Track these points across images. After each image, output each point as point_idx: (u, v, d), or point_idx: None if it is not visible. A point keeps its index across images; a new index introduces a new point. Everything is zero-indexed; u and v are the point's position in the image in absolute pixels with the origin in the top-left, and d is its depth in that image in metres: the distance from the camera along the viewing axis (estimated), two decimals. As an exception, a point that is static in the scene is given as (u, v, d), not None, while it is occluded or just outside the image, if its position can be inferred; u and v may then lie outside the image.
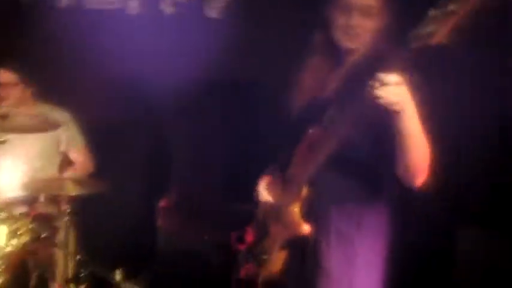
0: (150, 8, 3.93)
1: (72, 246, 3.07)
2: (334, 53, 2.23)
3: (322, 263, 2.12)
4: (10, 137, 3.04)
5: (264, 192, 2.40)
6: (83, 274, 3.02)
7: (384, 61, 1.85)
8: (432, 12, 1.66)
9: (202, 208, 3.69)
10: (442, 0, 1.65)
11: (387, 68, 1.81)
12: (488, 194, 3.24)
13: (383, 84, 1.81)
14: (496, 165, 3.21)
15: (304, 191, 2.16)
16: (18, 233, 2.93)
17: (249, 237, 2.51)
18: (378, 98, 1.82)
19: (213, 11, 3.90)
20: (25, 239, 2.94)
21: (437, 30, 1.66)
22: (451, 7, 1.63)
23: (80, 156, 3.48)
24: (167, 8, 3.92)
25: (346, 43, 2.16)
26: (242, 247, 2.52)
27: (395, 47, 1.85)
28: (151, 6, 3.93)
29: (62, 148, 3.45)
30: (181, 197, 3.71)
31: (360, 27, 2.12)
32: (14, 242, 2.91)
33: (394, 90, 1.82)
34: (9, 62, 3.36)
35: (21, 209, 3.09)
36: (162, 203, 3.57)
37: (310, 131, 2.15)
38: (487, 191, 3.24)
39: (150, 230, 3.64)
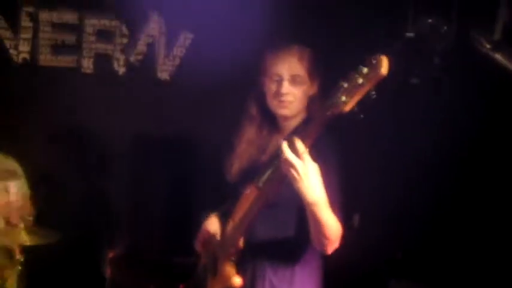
0: (103, 68, 4.09)
1: (22, 294, 3.16)
2: (270, 120, 2.43)
3: None
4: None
5: (200, 248, 2.52)
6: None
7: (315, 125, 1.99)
8: (344, 84, 1.86)
9: (148, 260, 3.81)
10: (352, 73, 1.86)
11: (306, 132, 1.97)
12: (420, 247, 3.44)
13: (291, 150, 1.94)
14: (427, 218, 3.43)
15: (239, 246, 2.29)
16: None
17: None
18: (285, 163, 1.95)
19: (164, 73, 4.10)
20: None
21: (349, 100, 1.85)
22: (360, 80, 1.82)
23: (26, 205, 3.46)
24: (120, 69, 4.10)
25: (280, 111, 2.35)
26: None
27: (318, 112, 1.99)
28: (105, 66, 4.09)
29: (12, 198, 3.45)
30: (128, 248, 3.81)
31: (291, 95, 2.31)
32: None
33: (299, 163, 1.93)
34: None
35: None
36: (110, 254, 3.67)
37: (246, 190, 2.28)
38: (419, 244, 3.45)
39: (99, 280, 3.71)
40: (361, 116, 1.87)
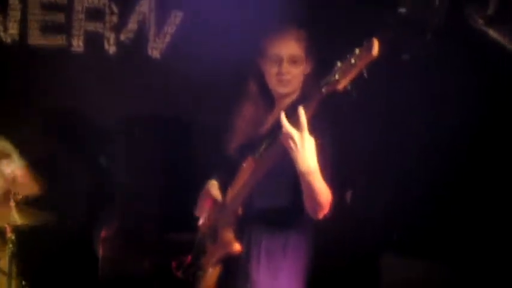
0: (93, 47, 4.06)
1: (15, 274, 3.15)
2: (267, 98, 2.57)
3: (252, 276, 2.39)
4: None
5: (202, 216, 2.64)
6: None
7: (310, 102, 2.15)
8: (338, 64, 2.04)
9: (142, 237, 3.82)
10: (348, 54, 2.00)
11: (304, 107, 2.12)
12: (412, 223, 3.45)
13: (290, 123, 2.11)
14: (419, 194, 3.45)
15: (238, 214, 2.45)
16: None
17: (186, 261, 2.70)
18: (284, 135, 2.13)
19: (155, 51, 4.07)
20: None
21: (342, 78, 2.02)
22: (352, 61, 1.98)
23: (23, 182, 3.46)
24: (111, 48, 4.07)
25: (280, 89, 2.51)
26: (178, 273, 2.69)
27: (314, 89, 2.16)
28: (95, 45, 4.06)
29: (3, 178, 3.45)
30: (121, 226, 3.82)
31: (290, 74, 2.47)
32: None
33: (296, 133, 2.11)
34: None
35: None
36: (103, 233, 3.67)
37: (244, 162, 2.43)
38: (411, 219, 3.45)
39: (92, 259, 3.72)
40: (354, 94, 2.03)
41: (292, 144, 2.13)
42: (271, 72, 2.48)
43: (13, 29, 4.01)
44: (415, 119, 3.54)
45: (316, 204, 2.26)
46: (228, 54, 3.62)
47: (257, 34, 2.61)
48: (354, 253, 3.48)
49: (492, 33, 3.10)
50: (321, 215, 2.30)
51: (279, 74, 2.45)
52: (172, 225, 3.79)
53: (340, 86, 2.02)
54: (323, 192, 2.24)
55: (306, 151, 2.13)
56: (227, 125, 2.67)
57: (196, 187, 2.73)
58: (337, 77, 2.02)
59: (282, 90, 2.49)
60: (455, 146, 3.33)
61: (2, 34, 4.00)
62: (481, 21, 3.11)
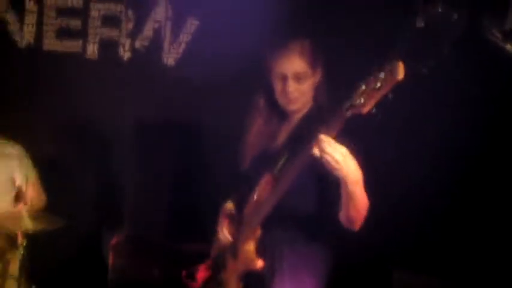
0: (108, 54, 4.07)
1: (25, 279, 3.14)
2: (279, 111, 2.51)
3: None
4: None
5: (223, 232, 2.61)
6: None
7: (324, 118, 2.13)
8: (363, 86, 1.99)
9: (151, 245, 3.80)
10: (370, 76, 1.97)
11: (328, 129, 2.08)
12: (423, 239, 3.42)
13: (328, 145, 2.07)
14: (435, 211, 3.42)
15: (258, 232, 2.41)
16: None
17: (200, 274, 2.68)
18: (324, 156, 2.07)
19: (170, 59, 4.06)
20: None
21: (367, 102, 1.98)
22: (378, 84, 1.95)
23: (33, 191, 3.48)
24: (125, 54, 4.07)
25: (288, 106, 2.45)
26: (193, 285, 2.68)
27: (333, 107, 2.13)
28: (110, 51, 4.07)
29: (17, 183, 3.45)
30: (131, 234, 3.81)
31: (297, 91, 2.39)
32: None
33: (338, 153, 2.07)
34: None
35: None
36: (113, 240, 3.66)
37: (262, 179, 2.39)
38: (423, 236, 3.43)
39: (101, 266, 3.71)
40: (379, 116, 2.00)
41: (333, 163, 2.08)
42: (277, 89, 2.42)
43: (29, 34, 4.03)
44: (432, 130, 3.50)
45: (358, 214, 2.24)
46: (243, 63, 3.60)
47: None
48: (370, 266, 3.46)
49: (509, 47, 3.07)
50: (358, 226, 2.28)
51: (285, 92, 2.39)
52: (182, 234, 3.78)
53: (366, 110, 2.00)
54: (366, 202, 2.23)
55: (349, 163, 2.11)
56: (241, 135, 2.63)
57: (208, 196, 2.73)
58: (362, 100, 1.99)
59: (291, 107, 2.44)
60: (473, 161, 3.30)
61: (17, 38, 4.02)
62: (498, 35, 3.08)
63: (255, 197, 2.42)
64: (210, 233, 2.74)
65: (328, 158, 2.07)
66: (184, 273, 2.70)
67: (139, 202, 4.03)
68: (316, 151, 2.08)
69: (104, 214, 4.01)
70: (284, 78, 2.38)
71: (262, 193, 2.37)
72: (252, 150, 2.58)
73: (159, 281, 3.60)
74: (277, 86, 2.41)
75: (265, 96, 2.52)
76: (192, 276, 2.68)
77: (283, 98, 2.42)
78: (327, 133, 2.07)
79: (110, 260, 3.64)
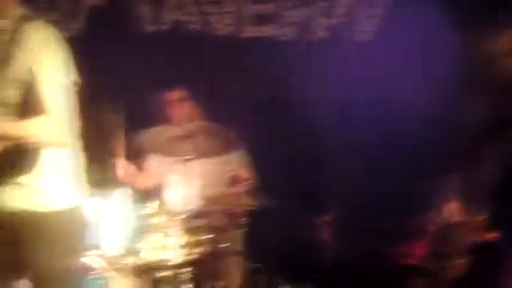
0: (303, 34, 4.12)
1: (245, 256, 3.30)
2: None
3: None
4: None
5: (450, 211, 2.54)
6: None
7: None
8: None
9: (362, 222, 3.79)
10: None
11: None
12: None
13: None
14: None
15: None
16: (196, 244, 3.09)
17: (419, 251, 2.65)
18: None
19: (365, 34, 4.04)
20: (202, 250, 3.10)
21: None
22: None
23: (246, 173, 3.63)
24: (320, 32, 4.09)
25: None
26: (411, 261, 2.65)
27: None
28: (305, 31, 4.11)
29: (232, 166, 3.63)
30: (342, 212, 3.83)
31: None
32: (192, 252, 3.08)
33: None
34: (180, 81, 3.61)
35: (198, 222, 3.22)
36: (324, 218, 3.72)
37: None
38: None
39: (310, 244, 3.78)
40: None
41: None
42: None
43: (228, 21, 4.17)
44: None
45: None
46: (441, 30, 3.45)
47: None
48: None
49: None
50: None
51: None
52: (387, 213, 3.70)
53: None
54: None
55: None
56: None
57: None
58: None
59: None
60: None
61: (218, 27, 4.18)
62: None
63: None
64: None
65: None
66: (402, 250, 2.67)
67: (348, 183, 4.00)
68: None
69: (312, 192, 4.04)
70: None
71: None
72: None
73: (365, 259, 3.58)
74: None
75: None
76: (410, 254, 2.65)
77: None
78: None
79: (322, 236, 3.70)
